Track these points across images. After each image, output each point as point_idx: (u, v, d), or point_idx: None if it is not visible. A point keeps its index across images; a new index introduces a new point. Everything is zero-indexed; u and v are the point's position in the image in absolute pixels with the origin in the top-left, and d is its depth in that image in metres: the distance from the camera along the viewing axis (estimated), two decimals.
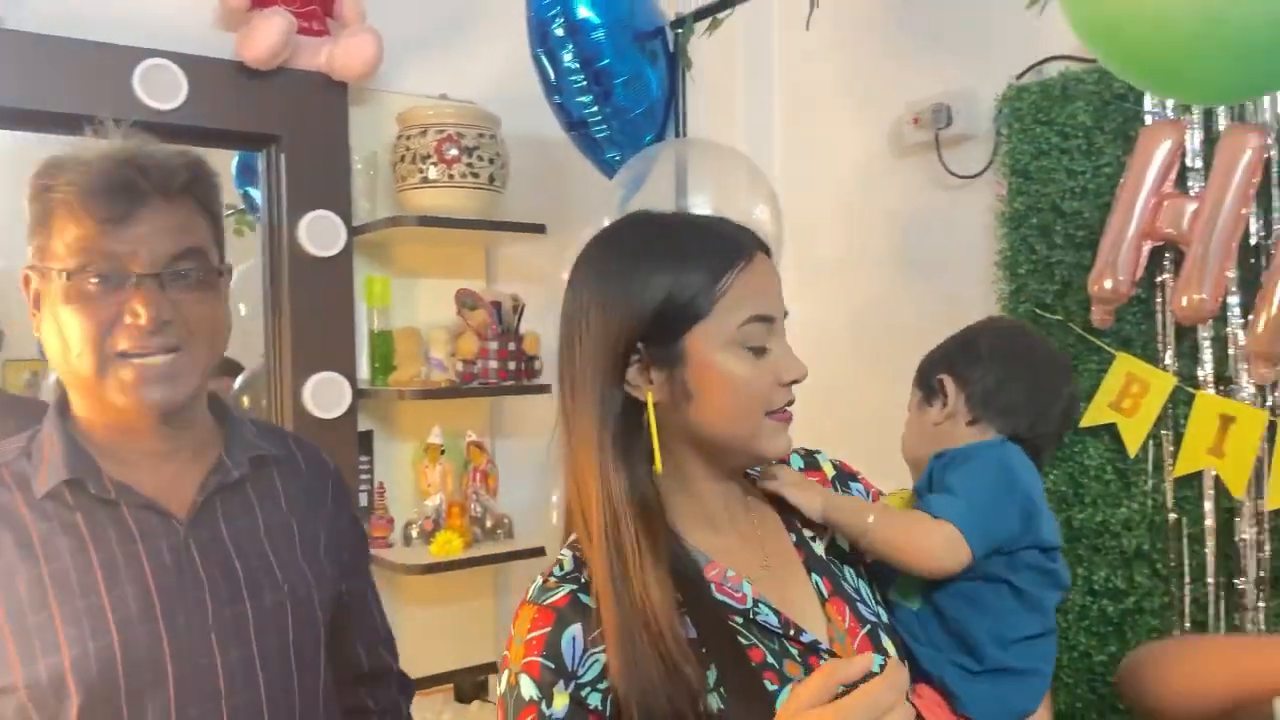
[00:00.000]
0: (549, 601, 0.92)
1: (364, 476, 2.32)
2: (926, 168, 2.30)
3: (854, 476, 1.18)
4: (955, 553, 1.04)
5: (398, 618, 2.37)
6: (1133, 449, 1.87)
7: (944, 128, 2.21)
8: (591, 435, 0.95)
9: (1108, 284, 1.84)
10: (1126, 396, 1.88)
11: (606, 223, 1.89)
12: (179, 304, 1.07)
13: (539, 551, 2.28)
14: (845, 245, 2.47)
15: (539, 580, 0.96)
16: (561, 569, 0.96)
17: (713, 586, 0.96)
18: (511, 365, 2.29)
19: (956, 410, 1.22)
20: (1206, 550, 1.79)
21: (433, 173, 2.24)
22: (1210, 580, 1.78)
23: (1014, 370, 1.22)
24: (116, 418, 1.10)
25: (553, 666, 0.88)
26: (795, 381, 0.97)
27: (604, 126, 1.93)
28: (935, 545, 1.04)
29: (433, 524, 2.30)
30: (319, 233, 2.22)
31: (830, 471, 1.16)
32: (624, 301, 0.95)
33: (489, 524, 2.34)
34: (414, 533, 2.31)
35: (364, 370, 2.35)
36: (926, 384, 1.27)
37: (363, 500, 2.31)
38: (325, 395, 2.21)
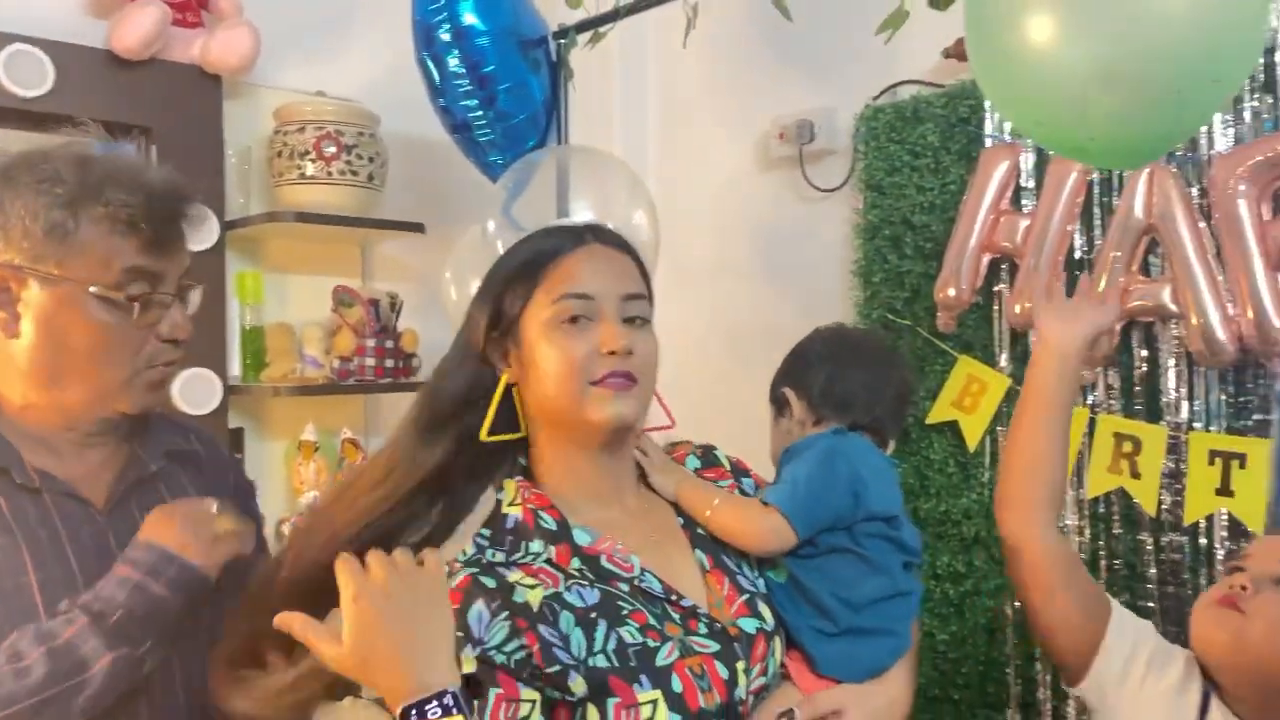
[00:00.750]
0: (454, 585, 0.98)
1: None
2: (790, 180, 2.43)
3: (746, 472, 1.31)
4: (780, 536, 1.16)
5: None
6: (972, 444, 2.04)
7: (807, 143, 2.35)
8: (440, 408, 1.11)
9: (951, 292, 2.01)
10: (967, 395, 2.05)
11: (491, 225, 1.97)
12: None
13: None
14: (715, 252, 2.59)
15: (445, 568, 1.01)
16: (465, 555, 1.03)
17: (603, 557, 1.06)
18: (389, 363, 2.31)
19: (803, 417, 1.34)
20: None
21: (310, 169, 2.25)
22: None
23: (842, 366, 1.34)
24: (74, 417, 1.16)
25: (460, 635, 0.94)
26: (615, 352, 1.05)
27: (488, 130, 1.98)
28: (763, 530, 1.16)
29: None
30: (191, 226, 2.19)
31: (727, 466, 1.29)
32: (481, 295, 1.13)
33: None
34: (286, 530, 2.29)
35: (235, 367, 2.32)
36: (775, 400, 1.39)
37: None
38: (195, 391, 2.18)
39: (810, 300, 2.38)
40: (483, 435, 1.08)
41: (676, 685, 0.99)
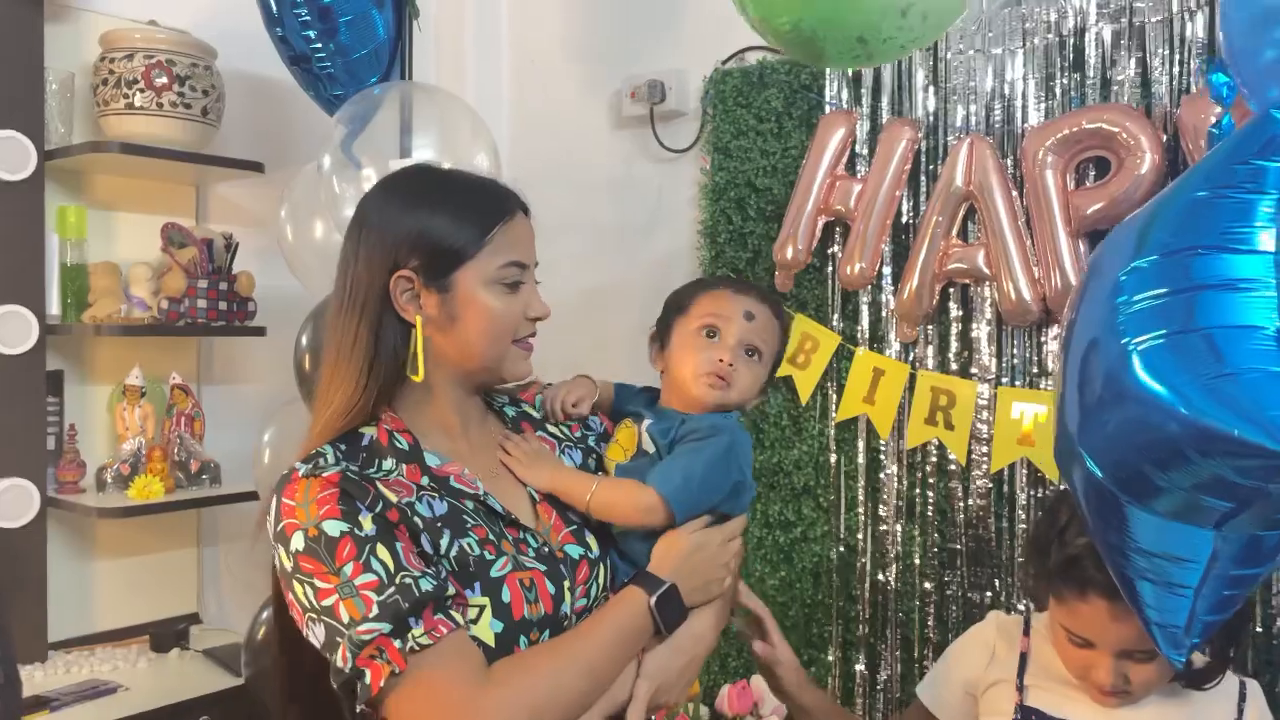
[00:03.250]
0: (326, 474, 1.03)
1: (52, 418, 2.17)
2: (641, 140, 2.47)
3: (608, 435, 1.34)
4: (654, 516, 1.18)
5: (91, 568, 2.28)
6: (804, 398, 2.13)
7: (658, 103, 2.39)
8: (351, 345, 1.10)
9: (789, 253, 2.09)
10: (801, 352, 2.14)
11: (327, 161, 1.92)
12: None
13: (250, 496, 2.24)
14: (568, 206, 2.59)
15: (301, 467, 1.05)
16: (325, 459, 1.06)
17: (451, 478, 1.12)
18: (222, 305, 2.22)
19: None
20: (859, 485, 2.08)
21: (139, 99, 2.13)
22: (861, 511, 2.08)
23: None
24: None
25: (351, 501, 1.01)
26: (539, 318, 1.18)
27: (328, 64, 1.93)
28: (640, 512, 1.18)
29: (130, 468, 2.19)
30: (6, 155, 2.06)
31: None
32: (404, 233, 1.11)
33: (194, 469, 2.26)
34: (109, 477, 2.19)
35: (54, 305, 2.19)
36: (656, 342, 1.38)
37: (50, 443, 2.17)
38: (8, 329, 2.05)
39: (659, 258, 2.43)
40: (418, 377, 1.11)
41: (505, 595, 1.05)
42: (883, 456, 2.05)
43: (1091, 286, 0.85)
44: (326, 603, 0.97)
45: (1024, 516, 1.87)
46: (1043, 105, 1.83)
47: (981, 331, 1.91)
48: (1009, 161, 1.86)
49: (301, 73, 2.01)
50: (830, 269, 2.11)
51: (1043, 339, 1.85)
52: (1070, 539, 1.21)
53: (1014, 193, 1.83)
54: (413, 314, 1.11)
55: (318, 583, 0.98)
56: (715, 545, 1.19)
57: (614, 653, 1.08)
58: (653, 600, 1.11)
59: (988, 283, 1.89)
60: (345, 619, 0.96)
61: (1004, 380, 1.89)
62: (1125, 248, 0.82)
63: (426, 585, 0.98)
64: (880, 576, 2.04)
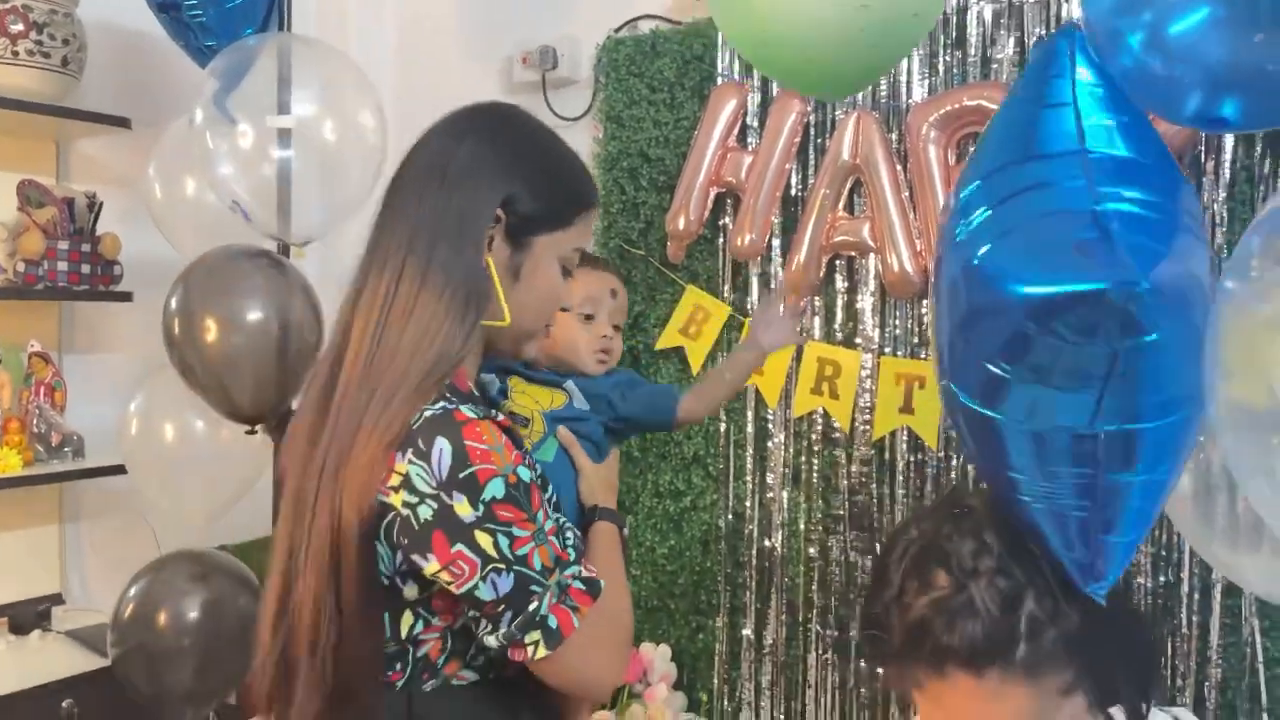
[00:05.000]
0: (499, 418, 1.01)
1: None
2: (533, 107, 2.39)
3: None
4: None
5: None
6: (696, 368, 2.15)
7: (551, 69, 2.35)
8: (443, 281, 1.02)
9: (681, 224, 2.09)
10: (693, 323, 2.16)
11: (199, 115, 1.82)
12: None
13: (117, 470, 2.13)
14: None
15: (463, 408, 0.98)
16: (452, 402, 1.00)
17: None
18: (85, 269, 2.10)
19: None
20: (747, 454, 2.11)
21: None
22: (749, 479, 2.11)
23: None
24: None
25: (521, 448, 1.01)
26: (565, 309, 1.23)
27: (199, 11, 1.82)
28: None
29: None
30: None
31: None
32: (516, 179, 1.06)
33: (55, 442, 2.13)
34: None
35: None
36: None
37: None
38: None
39: None
40: (506, 320, 1.06)
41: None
42: (771, 425, 2.08)
43: (943, 226, 0.93)
44: (521, 551, 0.95)
45: (903, 481, 1.93)
46: (926, 82, 1.88)
47: (866, 303, 1.96)
48: (894, 136, 1.90)
49: (170, 21, 1.90)
50: (721, 240, 2.12)
51: (924, 310, 1.90)
52: (910, 599, 0.90)
53: (898, 167, 1.88)
54: (486, 255, 1.05)
55: (516, 531, 0.96)
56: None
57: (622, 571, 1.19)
58: (625, 531, 1.25)
59: (872, 255, 1.93)
60: (539, 566, 0.97)
61: (886, 350, 1.94)
62: (962, 180, 0.91)
63: (575, 529, 1.07)
64: (766, 543, 2.08)
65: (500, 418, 1.01)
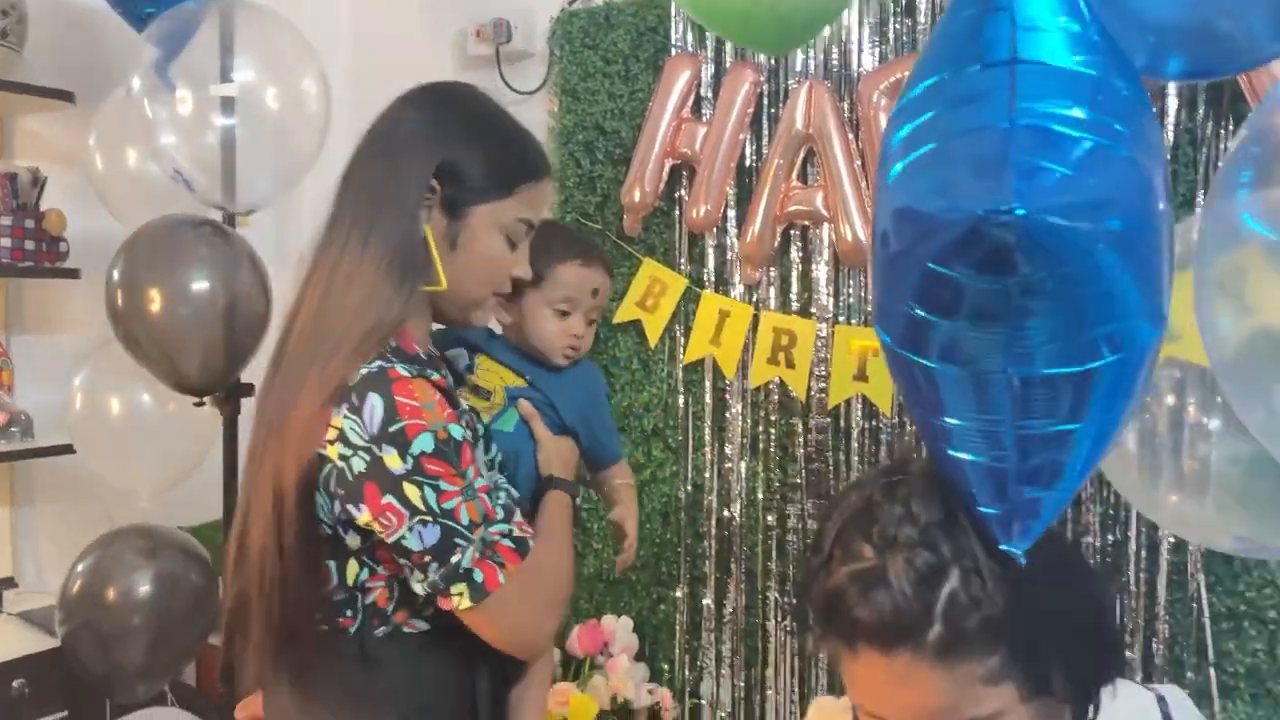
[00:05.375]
0: (433, 378, 1.04)
1: None
2: (487, 81, 2.40)
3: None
4: None
5: None
6: (653, 341, 2.15)
7: (505, 43, 2.33)
8: (382, 248, 1.07)
9: (636, 196, 2.09)
10: (650, 296, 2.15)
11: (137, 83, 1.78)
12: None
13: (65, 449, 2.10)
14: None
15: (399, 366, 1.02)
16: (390, 361, 1.04)
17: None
18: (29, 245, 2.06)
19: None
20: (706, 425, 2.12)
21: None
22: (708, 450, 2.11)
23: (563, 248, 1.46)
24: None
25: (456, 407, 1.06)
26: (521, 279, 1.19)
27: None
28: None
29: None
30: None
31: None
32: (450, 150, 1.10)
33: (2, 422, 2.10)
34: None
35: None
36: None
37: None
38: None
39: None
40: (442, 285, 1.09)
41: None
42: (728, 396, 2.09)
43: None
44: (448, 505, 0.99)
45: (858, 449, 1.94)
46: (877, 50, 1.88)
47: (820, 272, 1.96)
48: (846, 105, 1.90)
49: None
50: (677, 212, 2.12)
51: None
52: (835, 567, 0.83)
53: (850, 136, 1.88)
54: (423, 224, 1.10)
55: (444, 485, 1.00)
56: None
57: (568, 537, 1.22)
58: (578, 501, 1.29)
59: (826, 224, 1.93)
60: (466, 521, 1.00)
61: (840, 319, 1.95)
62: (901, 92, 0.81)
63: (510, 489, 1.10)
64: (725, 513, 2.09)
65: (436, 377, 1.04)
